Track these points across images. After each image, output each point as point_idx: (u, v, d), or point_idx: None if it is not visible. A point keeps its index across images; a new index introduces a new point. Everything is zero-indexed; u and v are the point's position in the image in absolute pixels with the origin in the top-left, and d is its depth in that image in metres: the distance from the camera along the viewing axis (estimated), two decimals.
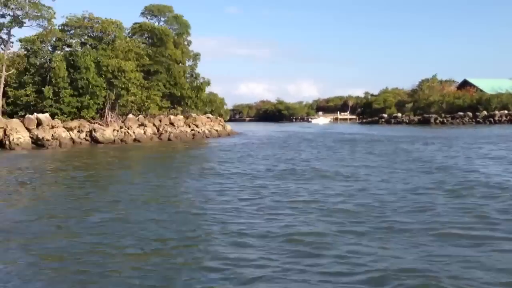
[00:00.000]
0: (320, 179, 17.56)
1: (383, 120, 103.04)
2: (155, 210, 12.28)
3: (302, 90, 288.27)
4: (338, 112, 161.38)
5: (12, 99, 41.43)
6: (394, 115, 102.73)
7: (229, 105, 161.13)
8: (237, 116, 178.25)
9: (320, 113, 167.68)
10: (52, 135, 36.92)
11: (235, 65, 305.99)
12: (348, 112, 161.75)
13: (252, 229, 10.04)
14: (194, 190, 15.62)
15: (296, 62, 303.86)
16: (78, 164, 25.15)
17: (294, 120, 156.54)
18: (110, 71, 44.17)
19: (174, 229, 10.23)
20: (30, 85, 41.99)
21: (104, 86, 43.62)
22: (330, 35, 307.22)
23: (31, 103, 41.16)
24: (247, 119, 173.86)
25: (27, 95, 41.11)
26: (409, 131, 63.15)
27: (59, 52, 44.88)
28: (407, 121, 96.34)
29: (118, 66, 44.43)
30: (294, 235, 9.45)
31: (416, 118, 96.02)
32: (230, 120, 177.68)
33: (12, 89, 41.68)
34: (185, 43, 61.82)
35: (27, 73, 42.88)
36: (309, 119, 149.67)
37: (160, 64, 53.31)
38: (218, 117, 63.14)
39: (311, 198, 13.59)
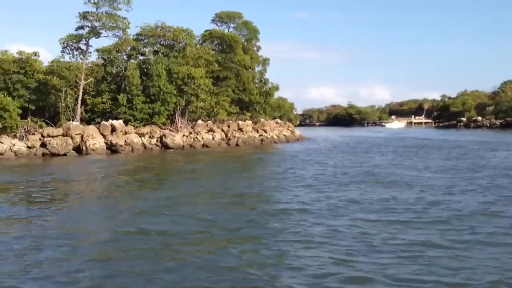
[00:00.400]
0: (389, 190, 16.35)
1: (461, 124, 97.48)
2: (204, 225, 11.80)
3: (374, 94, 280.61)
4: (413, 116, 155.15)
5: (90, 106, 43.32)
6: (474, 118, 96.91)
7: (299, 109, 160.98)
8: (307, 121, 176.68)
9: (393, 117, 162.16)
10: (125, 141, 38.08)
11: (305, 70, 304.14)
12: (423, 116, 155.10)
13: (307, 256, 9.12)
14: (251, 200, 15.05)
15: (367, 66, 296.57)
16: (144, 170, 25.52)
17: (365, 124, 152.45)
18: (181, 78, 45.00)
19: (216, 248, 9.64)
20: (107, 92, 43.69)
21: (175, 92, 44.51)
22: (401, 37, 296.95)
23: (107, 110, 42.80)
24: (317, 123, 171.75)
25: (103, 103, 42.80)
26: (490, 136, 59.01)
27: (133, 61, 46.45)
28: (488, 125, 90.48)
29: (188, 73, 45.17)
30: (351, 261, 8.53)
31: (498, 122, 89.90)
32: (300, 125, 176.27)
33: (90, 97, 43.60)
34: (254, 48, 61.91)
35: (104, 82, 44.69)
36: (383, 124, 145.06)
37: (229, 70, 53.66)
38: (287, 122, 62.52)
39: (377, 214, 12.46)
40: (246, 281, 7.53)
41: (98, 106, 42.94)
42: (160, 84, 43.51)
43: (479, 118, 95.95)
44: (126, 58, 46.83)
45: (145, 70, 44.62)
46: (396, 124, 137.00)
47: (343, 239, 9.86)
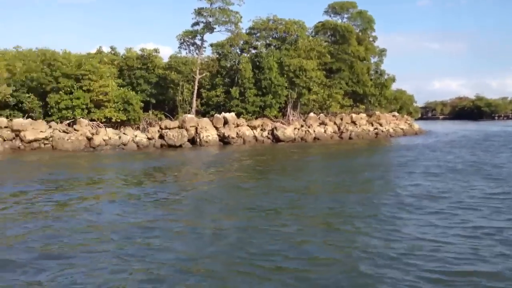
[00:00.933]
0: None
1: None
2: (315, 221, 11.10)
3: (506, 85, 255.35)
4: None
5: (205, 99, 44.86)
6: None
7: (420, 102, 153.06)
8: (430, 114, 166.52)
9: None
10: (236, 133, 38.72)
11: (428, 61, 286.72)
12: None
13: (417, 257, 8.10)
14: (359, 197, 14.00)
15: (497, 55, 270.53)
16: (251, 162, 25.50)
17: (496, 118, 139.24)
18: (292, 70, 44.64)
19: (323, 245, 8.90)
20: (220, 86, 44.91)
21: (286, 85, 44.30)
22: None
23: (221, 103, 43.97)
24: (441, 117, 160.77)
25: (217, 96, 44.04)
26: None
27: (245, 54, 47.13)
28: None
29: (300, 65, 44.65)
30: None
31: None
32: (421, 118, 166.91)
33: (205, 90, 45.13)
34: (370, 39, 59.39)
35: (218, 75, 45.98)
36: None
37: (342, 62, 52.08)
38: (405, 115, 59.15)
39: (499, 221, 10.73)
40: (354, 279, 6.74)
41: (213, 99, 44.28)
42: (271, 77, 43.57)
43: None
44: (239, 52, 47.71)
45: (257, 64, 44.99)
46: None
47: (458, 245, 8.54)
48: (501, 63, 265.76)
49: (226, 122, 39.26)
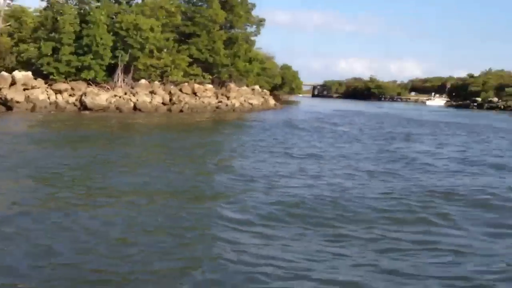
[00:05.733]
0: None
1: (474, 104, 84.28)
2: None
3: (405, 69, 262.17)
4: (433, 94, 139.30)
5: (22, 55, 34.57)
6: (489, 99, 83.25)
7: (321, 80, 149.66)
8: (325, 93, 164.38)
9: (413, 93, 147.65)
10: (27, 97, 29.33)
11: (338, 41, 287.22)
12: (444, 94, 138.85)
13: None
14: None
15: (405, 40, 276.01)
16: None
17: (382, 99, 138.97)
18: (124, 28, 35.66)
19: None
20: (42, 40, 34.65)
21: (118, 46, 35.36)
22: (443, 11, 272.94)
23: (32, 60, 34.00)
24: (335, 95, 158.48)
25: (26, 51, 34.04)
26: (486, 118, 47.30)
27: (73, 4, 37.18)
28: (502, 106, 76.82)
29: (134, 23, 35.74)
30: None
31: None
32: (317, 96, 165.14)
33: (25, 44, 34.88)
34: (249, 7, 50.82)
35: (42, 28, 35.66)
36: (426, 100, 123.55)
37: (197, 26, 43.60)
38: (265, 90, 52.34)
39: None
40: None
41: (22, 55, 34.31)
42: (95, 34, 34.23)
43: (495, 99, 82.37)
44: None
45: (85, 18, 35.45)
46: (438, 102, 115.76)
47: None
48: (404, 47, 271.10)
49: (14, 82, 29.72)
